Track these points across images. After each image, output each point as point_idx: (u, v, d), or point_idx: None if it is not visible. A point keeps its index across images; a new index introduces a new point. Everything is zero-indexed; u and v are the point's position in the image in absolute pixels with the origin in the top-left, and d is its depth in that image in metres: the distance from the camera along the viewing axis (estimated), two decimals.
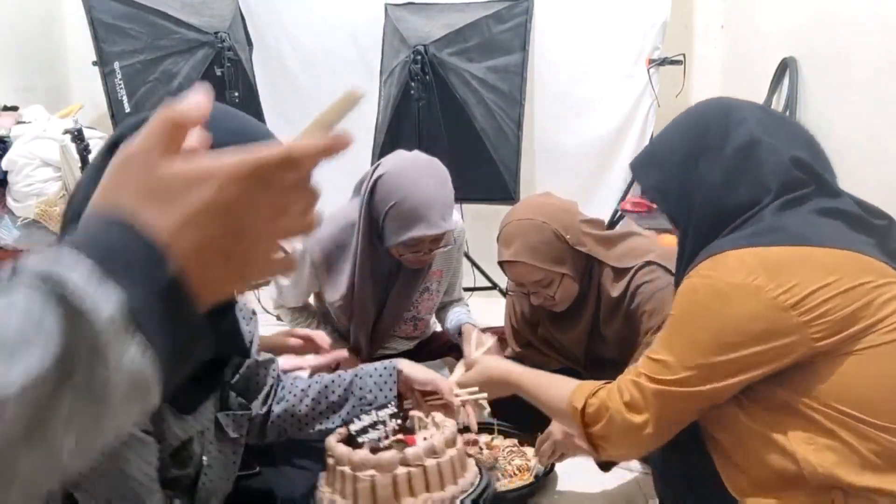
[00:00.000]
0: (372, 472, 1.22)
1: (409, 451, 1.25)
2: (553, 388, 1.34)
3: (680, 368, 1.10)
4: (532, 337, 2.07)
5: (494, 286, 3.15)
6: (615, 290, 1.82)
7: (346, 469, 1.24)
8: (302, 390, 1.40)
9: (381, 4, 3.16)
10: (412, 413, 1.39)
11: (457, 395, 1.43)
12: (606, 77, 3.33)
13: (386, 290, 2.07)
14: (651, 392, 1.13)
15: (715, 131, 1.18)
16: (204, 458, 1.18)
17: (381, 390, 1.37)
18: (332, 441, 1.31)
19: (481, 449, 1.92)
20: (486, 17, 2.98)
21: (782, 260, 1.05)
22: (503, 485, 1.76)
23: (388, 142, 2.99)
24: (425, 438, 1.30)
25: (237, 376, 1.28)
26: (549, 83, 3.33)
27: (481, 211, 3.19)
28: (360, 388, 1.38)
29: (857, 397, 1.02)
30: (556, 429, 1.61)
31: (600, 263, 1.85)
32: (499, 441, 1.96)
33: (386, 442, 1.27)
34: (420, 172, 1.89)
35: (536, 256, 1.78)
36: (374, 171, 1.94)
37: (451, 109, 2.94)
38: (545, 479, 1.79)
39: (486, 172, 2.98)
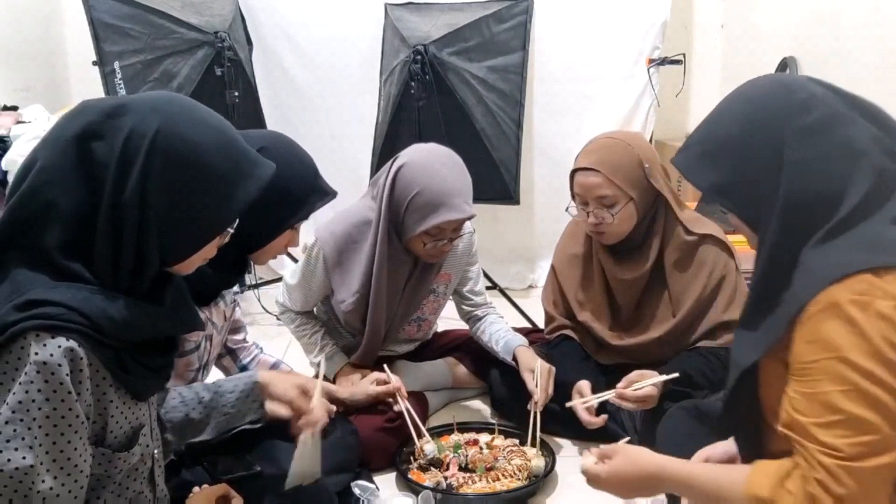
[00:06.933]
0: None
1: None
2: (719, 476, 1.10)
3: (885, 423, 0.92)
4: (581, 292, 2.05)
5: (494, 286, 3.14)
6: (688, 236, 1.89)
7: None
8: (175, 405, 1.37)
9: (381, 4, 3.16)
10: None
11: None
12: (606, 77, 3.32)
13: (401, 290, 2.04)
14: (869, 471, 0.93)
15: (787, 108, 1.02)
16: (155, 451, 1.16)
17: (244, 404, 1.39)
18: None
19: (481, 449, 1.91)
20: (486, 17, 2.98)
21: None
22: (503, 485, 1.76)
23: (387, 142, 2.98)
24: None
25: None
26: (549, 83, 3.32)
27: (481, 211, 3.17)
28: (223, 405, 1.38)
29: None
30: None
31: (667, 209, 1.90)
32: (499, 441, 1.96)
33: None
34: (440, 161, 1.91)
35: (612, 171, 1.82)
36: (392, 164, 1.93)
37: (451, 109, 2.93)
38: (545, 479, 1.79)
39: (486, 172, 2.97)
